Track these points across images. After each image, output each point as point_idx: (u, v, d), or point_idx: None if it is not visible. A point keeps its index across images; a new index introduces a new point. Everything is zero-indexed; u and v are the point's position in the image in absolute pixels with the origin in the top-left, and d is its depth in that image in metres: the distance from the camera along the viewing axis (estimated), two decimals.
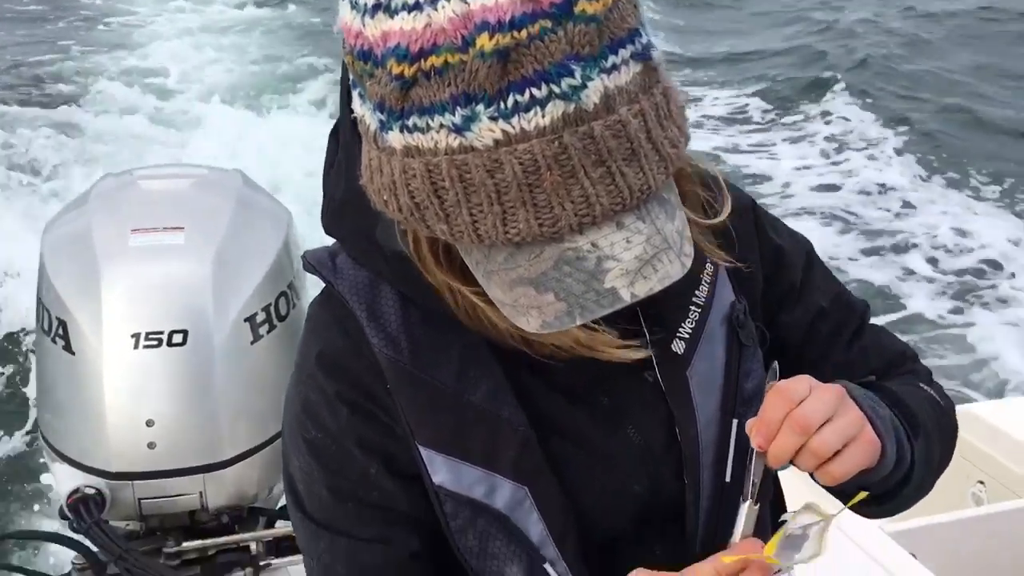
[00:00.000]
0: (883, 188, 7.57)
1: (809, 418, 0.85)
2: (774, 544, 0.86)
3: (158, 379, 2.18)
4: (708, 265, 1.00)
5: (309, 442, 0.95)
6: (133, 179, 2.64)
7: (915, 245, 6.74)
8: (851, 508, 0.94)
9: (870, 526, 1.78)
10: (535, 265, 0.76)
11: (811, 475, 0.94)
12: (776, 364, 0.94)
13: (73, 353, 2.21)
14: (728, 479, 0.99)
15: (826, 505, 0.90)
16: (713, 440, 0.98)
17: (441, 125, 0.73)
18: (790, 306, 1.08)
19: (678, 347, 0.97)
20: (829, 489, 0.93)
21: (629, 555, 0.97)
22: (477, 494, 0.92)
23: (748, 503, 0.87)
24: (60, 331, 2.23)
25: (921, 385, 1.09)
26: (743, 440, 0.98)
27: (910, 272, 6.37)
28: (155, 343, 2.18)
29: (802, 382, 0.88)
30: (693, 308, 0.98)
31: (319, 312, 0.98)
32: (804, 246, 1.12)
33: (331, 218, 0.95)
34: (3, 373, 4.97)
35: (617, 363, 0.95)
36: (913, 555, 1.77)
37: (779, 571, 0.86)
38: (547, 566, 0.93)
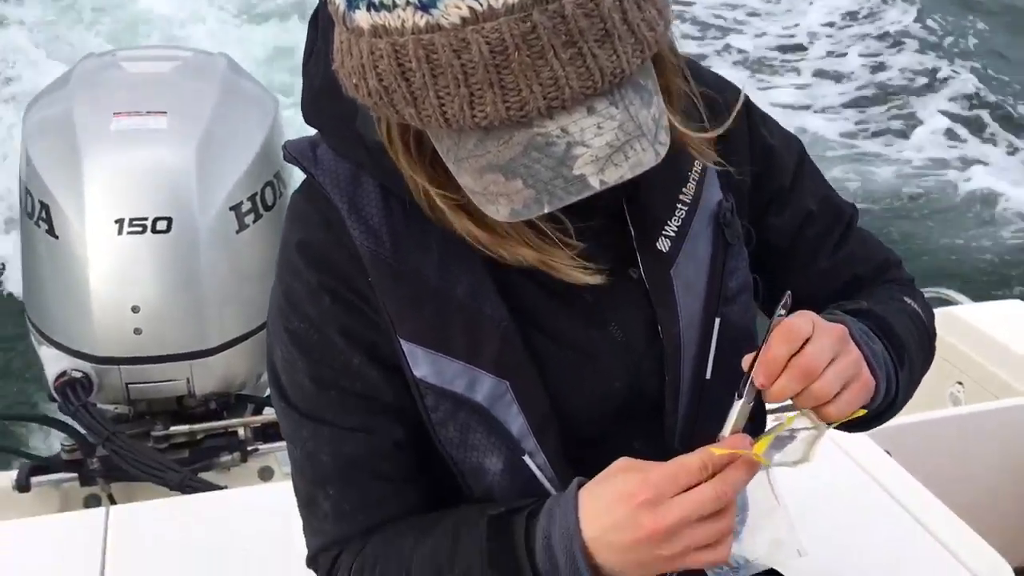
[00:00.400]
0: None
1: (813, 363, 0.84)
2: (764, 444, 0.84)
3: (143, 265, 2.17)
4: (696, 162, 0.97)
5: (291, 332, 0.94)
6: (115, 60, 2.57)
7: (741, 32, 7.70)
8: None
9: None
10: (504, 151, 0.74)
11: None
12: (789, 293, 0.90)
13: (56, 237, 2.20)
14: (708, 376, 0.98)
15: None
16: (695, 338, 0.97)
17: (407, 2, 0.71)
18: (778, 209, 1.05)
19: (663, 245, 0.96)
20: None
21: (609, 449, 0.97)
22: (458, 387, 0.92)
23: (741, 401, 0.86)
24: (43, 214, 2.21)
25: (906, 300, 1.07)
26: (725, 338, 0.99)
27: (727, 47, 7.51)
28: (139, 229, 2.16)
29: (806, 320, 0.86)
30: (680, 206, 0.96)
31: (301, 203, 0.95)
32: (795, 146, 1.08)
33: (310, 107, 0.92)
34: None
35: (602, 261, 0.94)
36: (888, 452, 1.80)
37: (763, 469, 0.86)
38: (526, 458, 0.94)
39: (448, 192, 0.83)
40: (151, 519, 1.61)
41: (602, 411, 0.98)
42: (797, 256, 1.07)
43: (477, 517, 0.91)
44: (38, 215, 2.22)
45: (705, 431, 0.96)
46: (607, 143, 0.73)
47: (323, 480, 0.96)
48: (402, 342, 0.91)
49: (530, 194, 0.74)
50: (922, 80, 7.11)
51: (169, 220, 2.17)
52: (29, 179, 2.26)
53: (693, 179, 0.97)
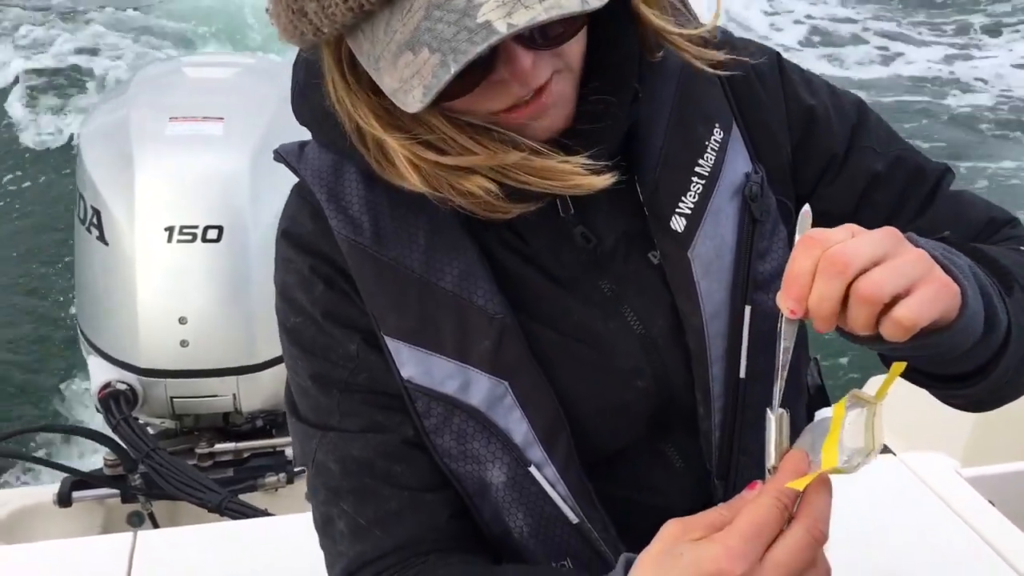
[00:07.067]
0: None
1: (848, 254, 0.65)
2: (832, 453, 0.66)
3: (192, 275, 2.10)
4: (716, 131, 0.86)
5: (290, 330, 0.87)
6: (178, 67, 2.54)
7: None
8: (938, 393, 0.77)
9: (946, 469, 1.62)
10: (409, 21, 0.68)
11: (881, 356, 0.76)
12: (807, 208, 0.71)
13: (107, 243, 2.14)
14: (743, 375, 0.85)
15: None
16: (723, 330, 0.85)
17: None
18: (831, 176, 0.91)
19: (677, 224, 0.84)
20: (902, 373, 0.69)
21: (637, 461, 0.86)
22: (450, 389, 0.82)
23: (779, 412, 0.68)
24: (95, 220, 2.15)
25: (1022, 248, 0.89)
26: (759, 329, 0.84)
27: None
28: (189, 238, 2.09)
29: (841, 228, 0.68)
30: (695, 179, 0.85)
31: (293, 197, 0.90)
32: (850, 107, 0.94)
33: (298, 102, 0.87)
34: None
35: (615, 243, 0.84)
36: (991, 502, 1.63)
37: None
38: (532, 469, 0.82)
39: (398, 131, 0.76)
40: (179, 547, 1.51)
41: (624, 416, 0.85)
42: (865, 224, 0.89)
43: None
44: (90, 221, 2.17)
45: (746, 439, 0.85)
46: None
47: (335, 494, 0.86)
48: (386, 339, 0.83)
49: (436, 59, 0.67)
50: None
51: (220, 229, 2.10)
52: (82, 184, 2.22)
53: (711, 149, 0.85)
